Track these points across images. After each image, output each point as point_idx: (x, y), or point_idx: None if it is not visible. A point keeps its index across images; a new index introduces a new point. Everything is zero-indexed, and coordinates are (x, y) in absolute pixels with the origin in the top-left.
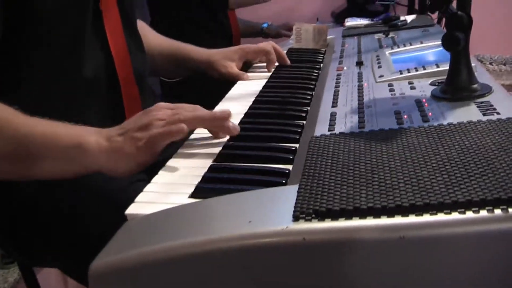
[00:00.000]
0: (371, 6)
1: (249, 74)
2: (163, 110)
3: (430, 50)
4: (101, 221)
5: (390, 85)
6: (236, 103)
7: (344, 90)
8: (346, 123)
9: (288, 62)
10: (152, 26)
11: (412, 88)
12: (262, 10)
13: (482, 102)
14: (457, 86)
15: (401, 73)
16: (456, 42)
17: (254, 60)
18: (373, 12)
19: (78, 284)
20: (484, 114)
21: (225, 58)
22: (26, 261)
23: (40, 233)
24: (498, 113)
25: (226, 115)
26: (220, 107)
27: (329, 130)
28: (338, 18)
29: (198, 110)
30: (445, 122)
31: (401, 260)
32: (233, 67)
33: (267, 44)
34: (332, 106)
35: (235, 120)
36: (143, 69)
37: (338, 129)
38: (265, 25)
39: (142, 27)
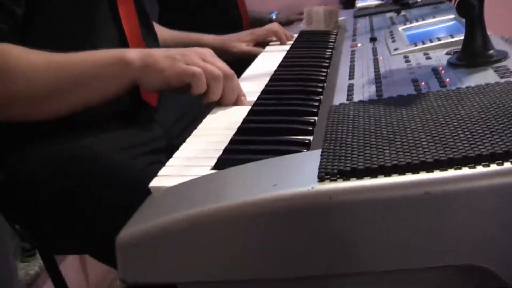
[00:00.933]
0: None
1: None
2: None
3: (444, 24)
4: (125, 199)
5: (405, 57)
6: (252, 82)
7: (359, 64)
8: (364, 92)
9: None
10: (160, 19)
11: (428, 58)
12: (270, 1)
13: (499, 67)
14: (473, 52)
15: (415, 45)
16: (471, 7)
17: (265, 40)
18: None
19: (98, 276)
20: (501, 77)
21: (236, 39)
22: (50, 249)
23: (64, 216)
24: None
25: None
26: None
27: (347, 100)
28: (347, 4)
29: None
30: (463, 86)
31: (427, 216)
32: (245, 46)
33: (273, 25)
34: (349, 79)
35: (252, 97)
36: None
37: (356, 98)
38: (273, 14)
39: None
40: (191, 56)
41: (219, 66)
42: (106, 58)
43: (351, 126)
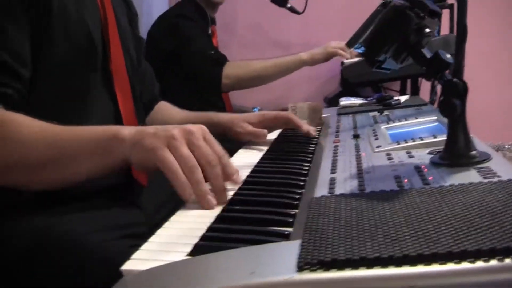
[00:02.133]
0: (363, 91)
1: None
2: (192, 147)
3: (426, 125)
4: (98, 280)
5: (388, 154)
6: None
7: (342, 159)
8: (346, 186)
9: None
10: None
11: (411, 156)
12: (254, 96)
13: (482, 168)
14: (456, 152)
15: (398, 143)
16: (453, 108)
17: (274, 126)
18: (366, 96)
19: None
20: (484, 178)
21: (243, 119)
22: None
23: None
24: (499, 176)
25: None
26: None
27: (329, 193)
28: (331, 102)
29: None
30: (446, 184)
31: None
32: (250, 127)
33: (287, 112)
34: (331, 173)
35: (233, 188)
36: None
37: (338, 191)
38: (255, 109)
39: (165, 104)
40: (175, 137)
41: (204, 152)
42: (101, 134)
43: (332, 218)
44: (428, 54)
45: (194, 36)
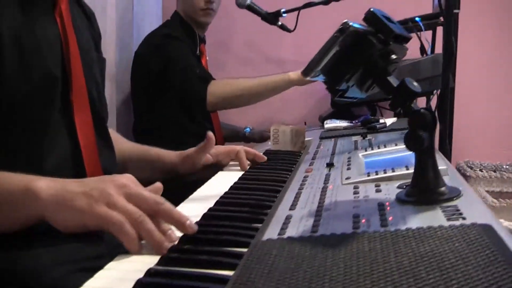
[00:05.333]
0: (356, 109)
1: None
2: (131, 199)
3: (404, 153)
4: None
5: (355, 187)
6: (199, 204)
7: (306, 192)
8: (299, 226)
9: (264, 158)
10: (136, 128)
11: (378, 191)
12: (249, 114)
13: (448, 206)
14: (423, 188)
15: (368, 175)
16: (419, 141)
17: (225, 160)
18: (359, 115)
19: None
20: (448, 219)
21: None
22: None
23: None
24: (463, 218)
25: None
26: (181, 208)
27: (279, 234)
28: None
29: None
30: (403, 227)
31: None
32: (202, 162)
33: (237, 146)
34: (290, 209)
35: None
36: (112, 168)
37: (289, 232)
38: (247, 129)
39: (112, 132)
40: (111, 193)
41: (145, 201)
42: (16, 186)
43: (268, 268)
44: (395, 82)
45: (180, 56)
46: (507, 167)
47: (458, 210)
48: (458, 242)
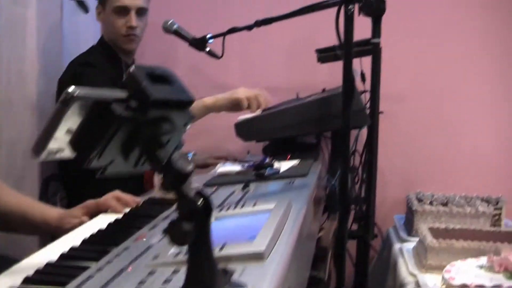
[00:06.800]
0: (300, 139)
1: None
2: None
3: (255, 215)
4: None
5: (151, 272)
6: None
7: (102, 274)
8: None
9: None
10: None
11: (168, 281)
12: (193, 141)
13: None
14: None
15: (176, 256)
16: (183, 235)
17: (101, 211)
18: (304, 144)
19: None
20: None
21: (69, 215)
22: None
23: None
24: None
25: None
26: None
27: None
28: (267, 151)
29: None
30: None
31: None
32: (76, 220)
33: (109, 196)
34: None
35: None
36: None
37: None
38: (189, 155)
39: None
40: None
41: None
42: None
43: None
44: (165, 157)
45: (96, 84)
46: (459, 199)
47: None
48: None
